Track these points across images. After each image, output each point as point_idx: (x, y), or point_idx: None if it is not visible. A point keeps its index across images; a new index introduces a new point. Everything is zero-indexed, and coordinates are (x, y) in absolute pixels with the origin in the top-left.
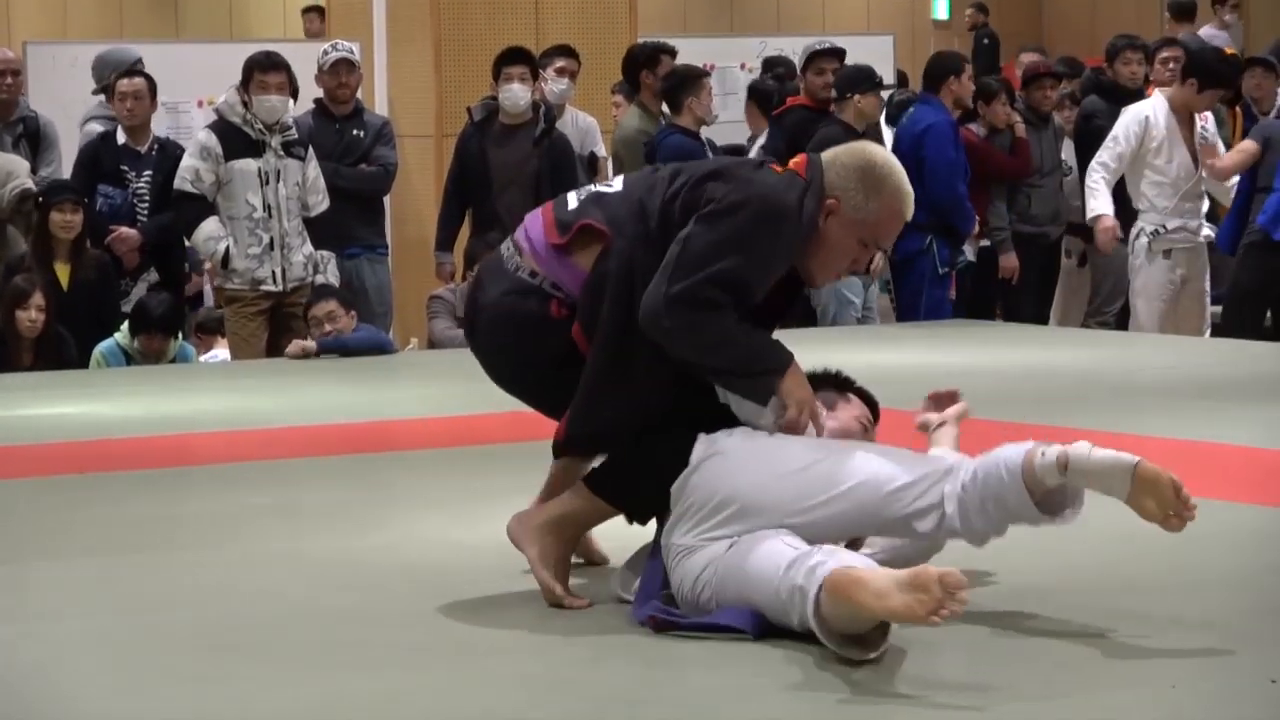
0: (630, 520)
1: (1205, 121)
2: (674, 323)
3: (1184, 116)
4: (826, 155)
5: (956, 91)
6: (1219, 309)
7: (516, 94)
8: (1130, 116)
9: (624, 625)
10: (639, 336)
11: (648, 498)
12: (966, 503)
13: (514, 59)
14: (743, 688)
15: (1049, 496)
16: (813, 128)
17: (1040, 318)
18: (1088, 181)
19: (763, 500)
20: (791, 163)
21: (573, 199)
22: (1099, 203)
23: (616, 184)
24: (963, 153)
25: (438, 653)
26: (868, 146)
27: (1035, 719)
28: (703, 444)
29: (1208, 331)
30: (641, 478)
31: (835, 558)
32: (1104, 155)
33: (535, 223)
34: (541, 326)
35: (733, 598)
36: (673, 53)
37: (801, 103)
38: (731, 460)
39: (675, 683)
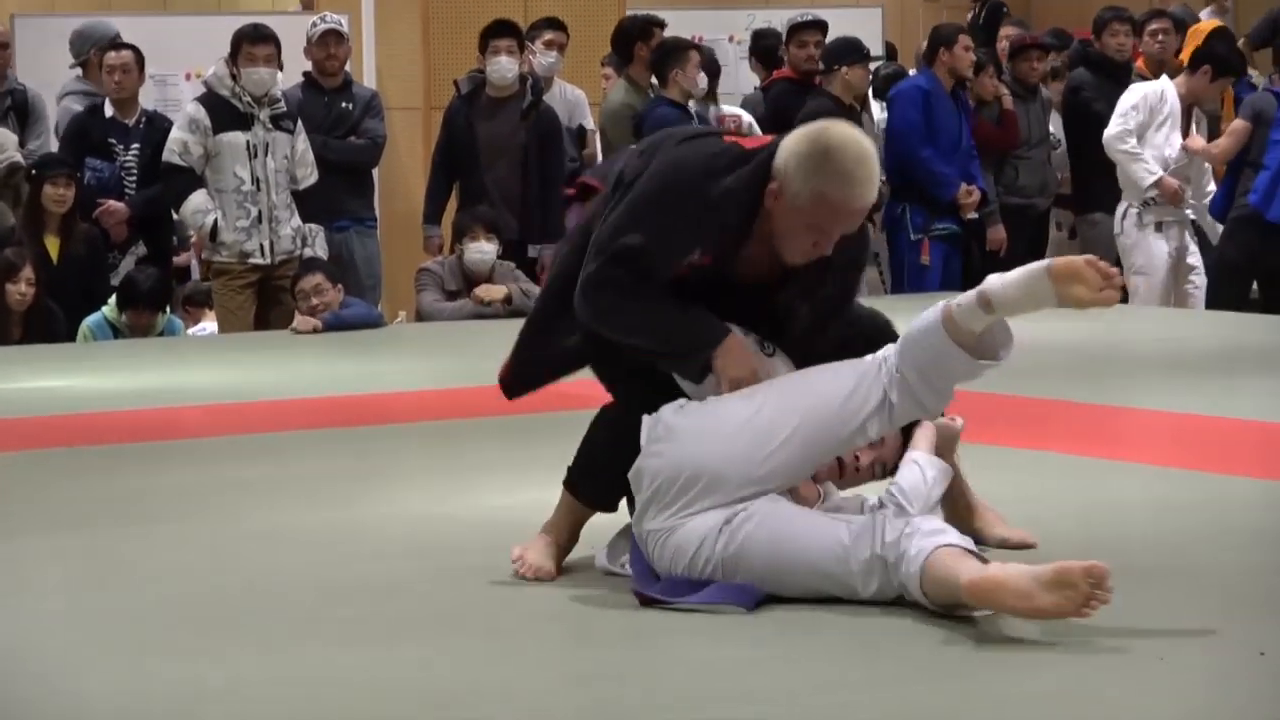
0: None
1: (1202, 123)
2: (592, 309)
3: (1187, 104)
4: (789, 135)
5: (949, 62)
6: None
7: (504, 67)
8: (1146, 90)
9: (611, 599)
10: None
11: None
12: (907, 382)
13: (501, 32)
14: (736, 659)
15: (980, 344)
16: (796, 100)
17: None
18: (1118, 149)
19: (726, 465)
20: (757, 140)
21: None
22: (1149, 164)
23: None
24: (948, 119)
25: (423, 626)
26: (827, 129)
27: (1020, 689)
28: (648, 425)
29: (1201, 305)
30: (607, 471)
31: (919, 532)
32: (1127, 124)
33: None
34: None
35: (759, 570)
36: (663, 25)
37: (785, 75)
38: (682, 437)
39: (664, 656)
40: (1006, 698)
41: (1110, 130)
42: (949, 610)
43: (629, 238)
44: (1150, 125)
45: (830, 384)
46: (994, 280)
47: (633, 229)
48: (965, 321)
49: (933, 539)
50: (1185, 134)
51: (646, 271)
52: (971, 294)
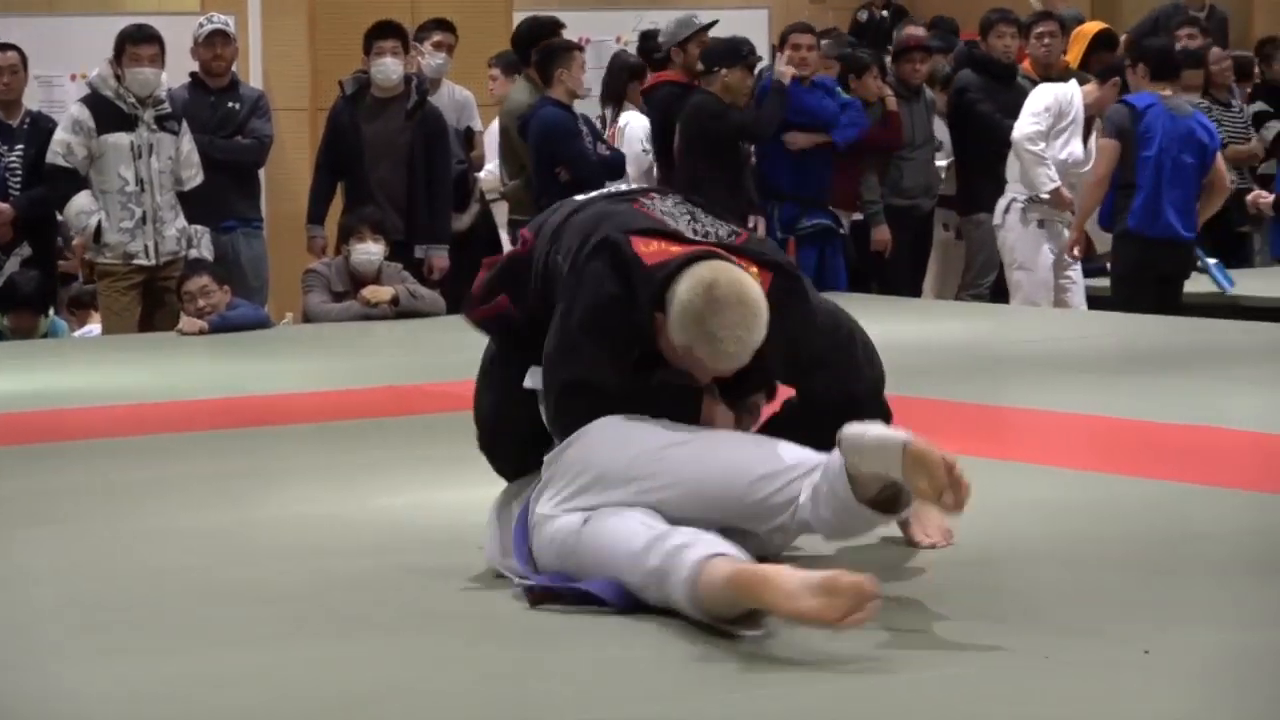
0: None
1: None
2: (564, 435)
3: (1091, 114)
4: (686, 274)
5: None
6: (1090, 281)
7: (389, 68)
8: (1057, 92)
9: (509, 600)
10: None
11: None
12: (818, 491)
13: (385, 33)
14: (641, 659)
15: (886, 493)
16: (683, 103)
17: (914, 290)
18: (1027, 150)
19: (614, 473)
20: (669, 248)
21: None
22: (1051, 172)
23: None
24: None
25: (317, 627)
26: (716, 283)
27: (908, 680)
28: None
29: (1083, 304)
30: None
31: (702, 542)
32: (1039, 124)
33: None
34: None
35: (591, 571)
36: (563, 26)
37: (670, 78)
38: (602, 433)
39: (568, 655)
40: (900, 690)
41: (1023, 128)
42: (719, 622)
43: (570, 371)
44: (1054, 129)
45: (759, 455)
46: (853, 428)
47: (571, 362)
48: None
49: (709, 548)
50: (1085, 141)
51: (598, 391)
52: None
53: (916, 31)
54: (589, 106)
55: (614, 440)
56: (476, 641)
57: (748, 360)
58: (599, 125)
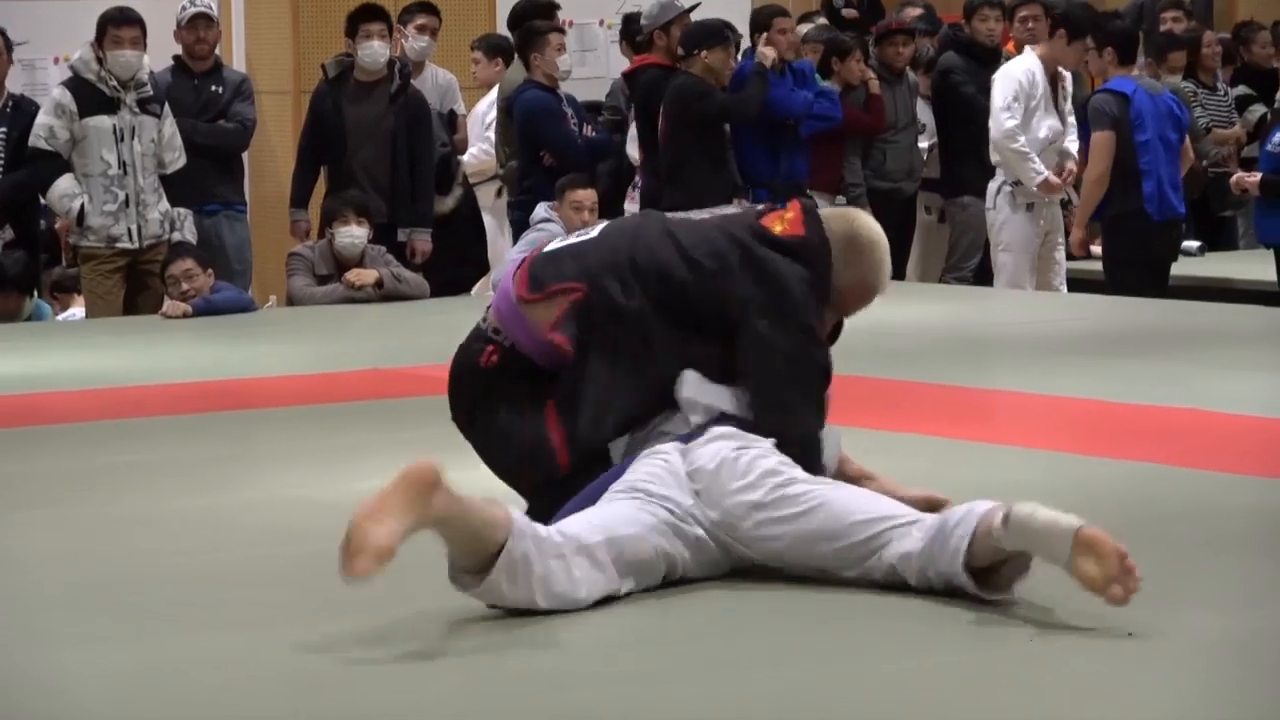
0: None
1: (1064, 81)
2: (813, 423)
3: (1052, 77)
4: (824, 219)
5: (776, 41)
6: (1074, 264)
7: (376, 51)
8: (1021, 75)
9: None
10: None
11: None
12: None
13: (371, 16)
14: (603, 642)
15: (998, 572)
16: (665, 87)
17: (897, 273)
18: (1009, 147)
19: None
20: (789, 215)
21: (554, 249)
22: (1036, 165)
23: (594, 231)
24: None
25: (302, 611)
26: (857, 215)
27: (882, 669)
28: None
29: (1063, 286)
30: None
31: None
32: (1016, 119)
33: (509, 274)
34: (472, 371)
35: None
36: (558, 7)
37: (653, 61)
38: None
39: (541, 635)
40: (885, 677)
41: (999, 126)
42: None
43: (819, 356)
44: (1026, 112)
45: (859, 502)
46: (1024, 508)
47: (814, 352)
48: (986, 537)
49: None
50: (1057, 105)
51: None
52: (999, 511)
53: (913, 12)
54: (590, 89)
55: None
56: (458, 624)
57: None
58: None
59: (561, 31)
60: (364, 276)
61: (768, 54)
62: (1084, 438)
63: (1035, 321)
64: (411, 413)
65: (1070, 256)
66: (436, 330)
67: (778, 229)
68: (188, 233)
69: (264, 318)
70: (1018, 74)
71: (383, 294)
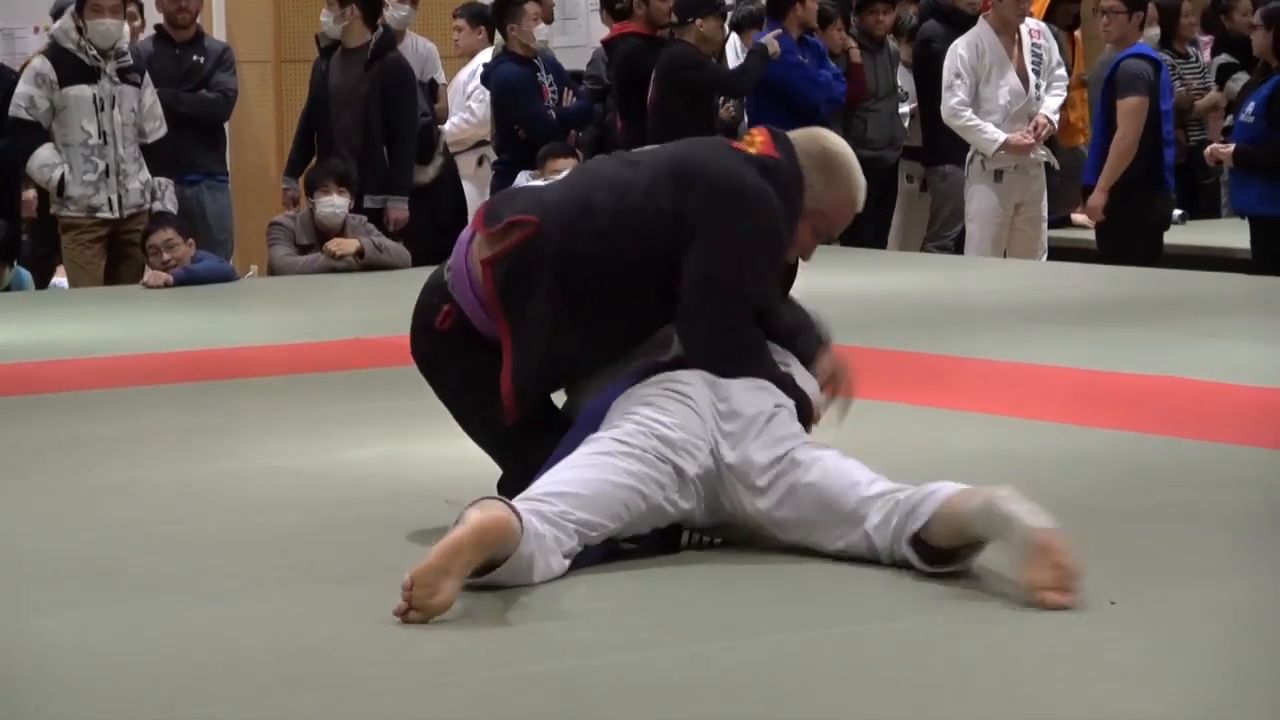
0: None
1: (1038, 38)
2: (725, 355)
3: (1009, 38)
4: (792, 138)
5: (801, 16)
6: (1056, 233)
7: (326, 21)
8: (962, 48)
9: None
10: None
11: None
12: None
13: None
14: (581, 612)
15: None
16: (647, 55)
17: (878, 242)
18: (956, 124)
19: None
20: (758, 139)
21: (515, 188)
22: (988, 133)
23: (560, 175)
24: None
25: (282, 580)
26: (824, 134)
27: (861, 632)
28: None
29: (1044, 255)
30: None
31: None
32: (958, 95)
33: (473, 218)
34: (428, 330)
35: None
36: None
37: (633, 29)
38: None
39: (515, 607)
40: (869, 639)
41: (945, 107)
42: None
43: (748, 283)
44: (980, 81)
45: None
46: (1006, 498)
47: (750, 275)
48: (961, 522)
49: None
50: (1017, 65)
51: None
52: (978, 496)
53: None
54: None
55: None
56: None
57: None
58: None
59: (539, 1)
60: (345, 246)
61: (773, 47)
62: (1065, 406)
63: (1015, 290)
64: (393, 382)
65: (1064, 222)
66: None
67: (750, 152)
68: (169, 202)
69: (245, 287)
70: (960, 48)
71: (364, 263)
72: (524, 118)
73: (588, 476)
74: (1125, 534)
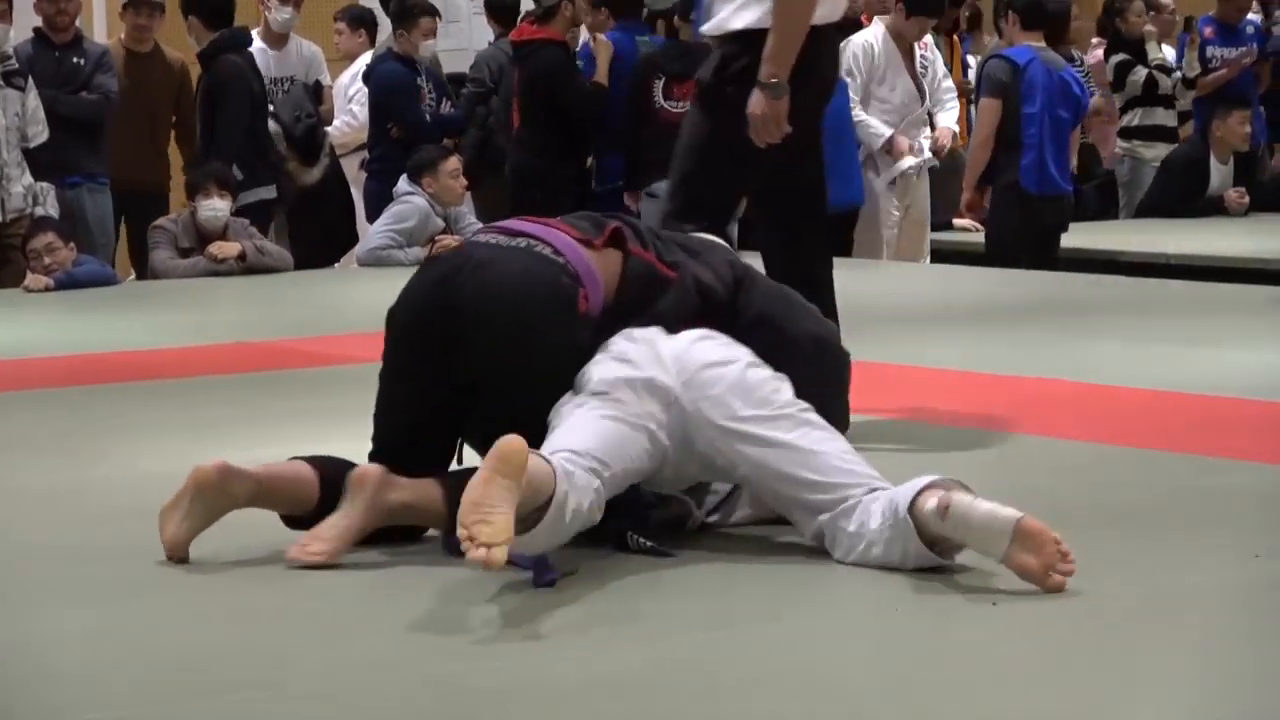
0: None
1: (925, 49)
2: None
3: (904, 45)
4: None
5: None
6: (947, 236)
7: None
8: (856, 47)
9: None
10: None
11: None
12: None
13: None
14: (483, 615)
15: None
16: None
17: None
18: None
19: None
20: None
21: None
22: (874, 127)
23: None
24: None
25: (159, 585)
26: None
27: (762, 637)
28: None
29: (927, 259)
30: None
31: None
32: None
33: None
34: (570, 309)
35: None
36: None
37: (548, 36)
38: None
39: (402, 610)
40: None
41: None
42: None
43: None
44: (871, 80)
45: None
46: (963, 498)
47: None
48: (926, 522)
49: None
50: (912, 74)
51: None
52: (935, 497)
53: None
54: (452, 61)
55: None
56: (320, 594)
57: None
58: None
59: (434, 17)
60: (226, 249)
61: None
62: (970, 410)
63: (899, 292)
64: (275, 385)
65: (946, 226)
66: (299, 303)
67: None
68: (50, 207)
69: (126, 291)
70: (855, 46)
71: (245, 267)
72: (401, 115)
73: (575, 423)
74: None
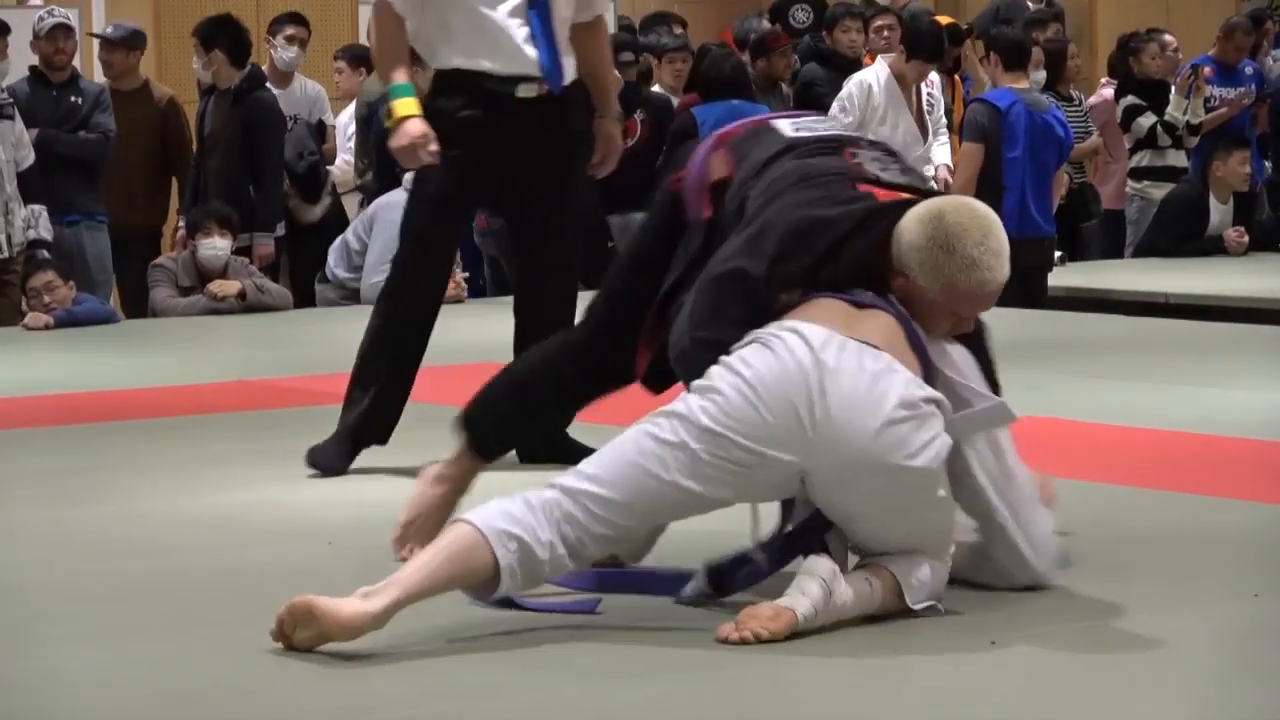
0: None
1: (931, 88)
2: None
3: (906, 84)
4: (906, 219)
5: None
6: None
7: (197, 67)
8: (853, 84)
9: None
10: None
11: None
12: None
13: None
14: (465, 661)
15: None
16: None
17: None
18: None
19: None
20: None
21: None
22: None
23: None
24: None
25: (154, 625)
26: (943, 213)
27: (716, 679)
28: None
29: None
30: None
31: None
32: (842, 120)
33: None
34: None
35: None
36: None
37: None
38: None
39: (397, 652)
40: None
41: None
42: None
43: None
44: (871, 119)
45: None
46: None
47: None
48: None
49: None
50: (916, 115)
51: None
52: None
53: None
54: None
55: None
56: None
57: (1005, 277)
58: None
59: None
60: (226, 288)
61: None
62: None
63: None
64: (274, 424)
65: None
66: (299, 341)
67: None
68: (44, 230)
69: (126, 329)
70: (852, 83)
71: (245, 305)
72: None
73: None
74: None
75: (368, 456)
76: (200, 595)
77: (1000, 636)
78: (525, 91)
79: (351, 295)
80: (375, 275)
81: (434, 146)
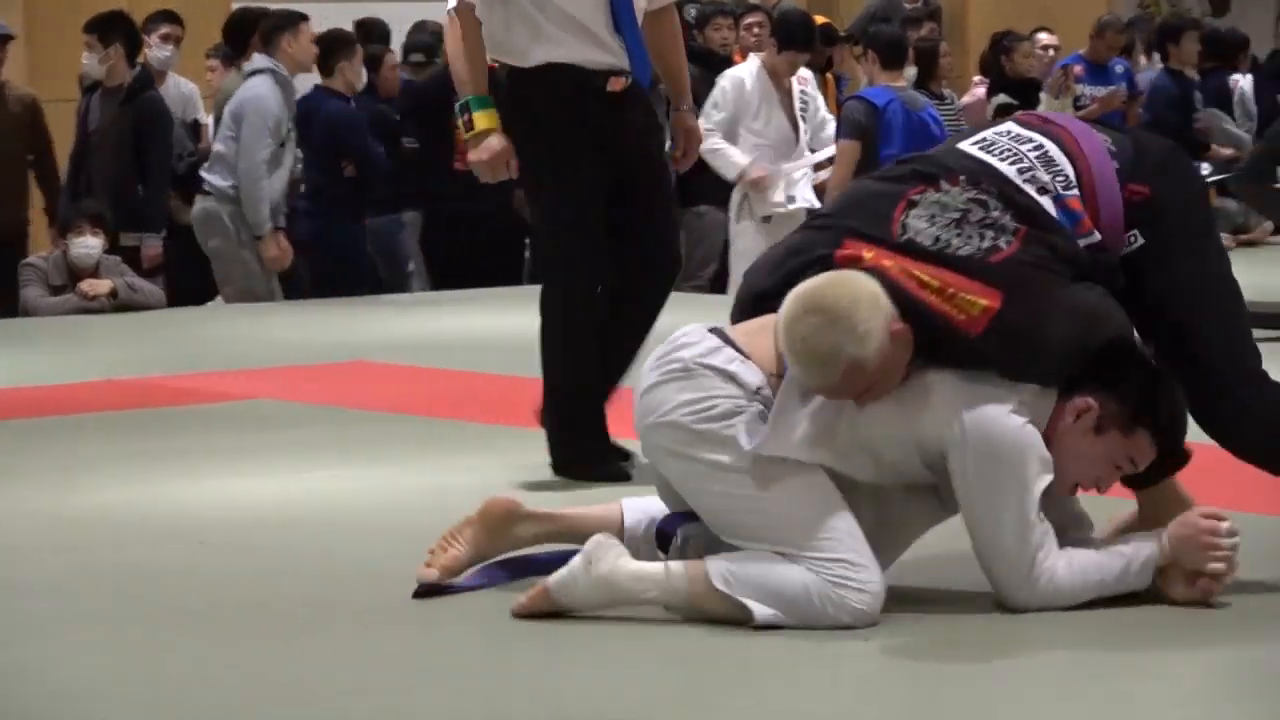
0: None
1: (805, 85)
2: None
3: (778, 80)
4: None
5: None
6: None
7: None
8: (726, 80)
9: (278, 596)
10: None
11: None
12: None
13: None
14: (435, 645)
15: None
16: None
17: None
18: (703, 150)
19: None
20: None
21: None
22: (733, 157)
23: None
24: None
25: (27, 626)
26: (806, 286)
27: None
28: None
29: None
30: None
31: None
32: (709, 122)
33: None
34: None
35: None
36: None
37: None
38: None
39: (360, 641)
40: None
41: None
42: None
43: None
44: (743, 114)
45: None
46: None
47: None
48: None
49: None
50: (788, 110)
51: None
52: None
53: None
54: None
55: None
56: (211, 625)
57: (834, 379)
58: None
59: (357, 47)
60: (98, 287)
61: None
62: None
63: None
64: (146, 423)
65: None
66: (171, 340)
67: None
68: None
69: None
70: (725, 79)
71: (117, 304)
72: (355, 153)
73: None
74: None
75: (244, 458)
76: (71, 595)
77: (999, 650)
78: (614, 85)
79: (233, 200)
80: (259, 152)
81: (514, 162)
